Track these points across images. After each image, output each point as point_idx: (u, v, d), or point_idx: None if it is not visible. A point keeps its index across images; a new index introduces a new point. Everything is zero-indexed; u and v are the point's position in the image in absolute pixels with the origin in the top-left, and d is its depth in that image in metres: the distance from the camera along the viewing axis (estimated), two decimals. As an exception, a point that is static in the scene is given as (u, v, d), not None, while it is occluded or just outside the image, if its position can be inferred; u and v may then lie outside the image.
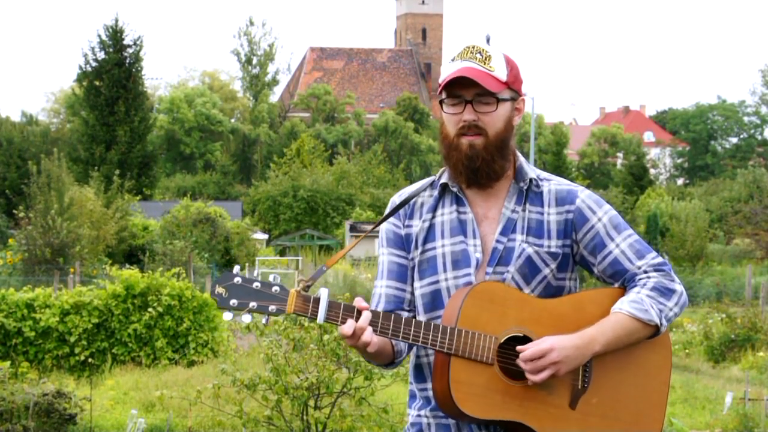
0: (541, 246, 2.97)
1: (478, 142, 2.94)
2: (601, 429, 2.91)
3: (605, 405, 2.92)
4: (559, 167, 50.25)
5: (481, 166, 2.94)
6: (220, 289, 2.85)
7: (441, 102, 2.99)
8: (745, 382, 11.17)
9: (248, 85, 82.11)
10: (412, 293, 3.05)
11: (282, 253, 43.08)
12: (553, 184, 3.03)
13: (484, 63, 2.94)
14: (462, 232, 2.99)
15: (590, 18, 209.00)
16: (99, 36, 47.36)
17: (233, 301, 2.84)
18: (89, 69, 47.38)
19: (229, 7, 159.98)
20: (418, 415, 3.03)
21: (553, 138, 57.43)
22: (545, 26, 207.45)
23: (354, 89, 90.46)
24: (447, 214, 3.02)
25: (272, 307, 2.84)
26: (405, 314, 3.02)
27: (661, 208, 42.91)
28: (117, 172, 35.07)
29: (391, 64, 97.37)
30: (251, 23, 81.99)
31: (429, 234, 3.02)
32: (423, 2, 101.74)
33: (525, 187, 3.01)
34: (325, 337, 7.36)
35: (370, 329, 2.82)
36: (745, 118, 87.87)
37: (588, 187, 5.21)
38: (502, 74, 2.95)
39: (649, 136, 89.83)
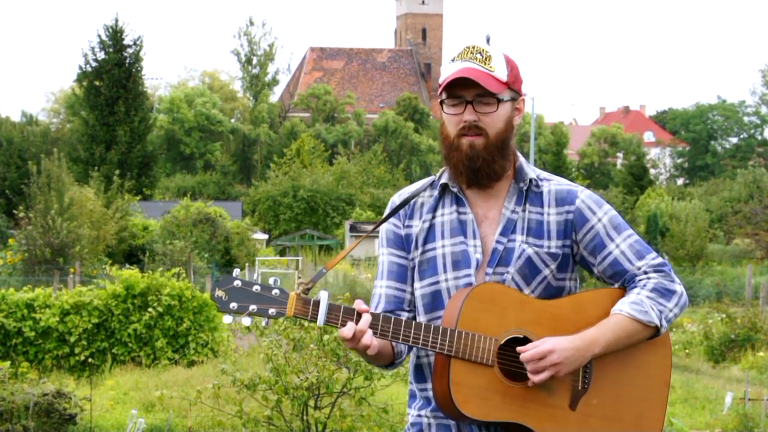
0: (541, 246, 2.96)
1: (479, 142, 2.93)
2: (601, 430, 2.91)
3: (605, 406, 2.92)
4: (559, 167, 50.20)
5: (482, 167, 2.94)
6: (220, 293, 2.85)
7: (441, 102, 2.99)
8: (745, 382, 11.17)
9: (248, 85, 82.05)
10: (412, 293, 3.04)
11: (282, 253, 43.06)
12: (553, 184, 3.03)
13: (485, 63, 2.94)
14: (462, 232, 2.99)
15: (590, 18, 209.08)
16: (99, 36, 47.37)
17: (233, 305, 2.85)
18: (89, 69, 47.37)
19: (229, 7, 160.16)
20: (419, 415, 3.03)
21: (553, 138, 57.39)
22: (545, 26, 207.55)
23: (354, 89, 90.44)
24: (447, 214, 3.02)
25: (272, 311, 2.84)
26: (405, 315, 3.02)
27: (661, 208, 42.91)
28: (117, 172, 35.04)
29: (391, 64, 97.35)
30: (251, 23, 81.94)
31: (429, 234, 3.02)
32: (423, 2, 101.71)
33: (525, 188, 3.00)
34: (325, 337, 7.36)
35: (370, 332, 2.82)
36: (745, 118, 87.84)
37: (588, 187, 5.20)
38: (502, 74, 2.95)
39: (649, 136, 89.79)
